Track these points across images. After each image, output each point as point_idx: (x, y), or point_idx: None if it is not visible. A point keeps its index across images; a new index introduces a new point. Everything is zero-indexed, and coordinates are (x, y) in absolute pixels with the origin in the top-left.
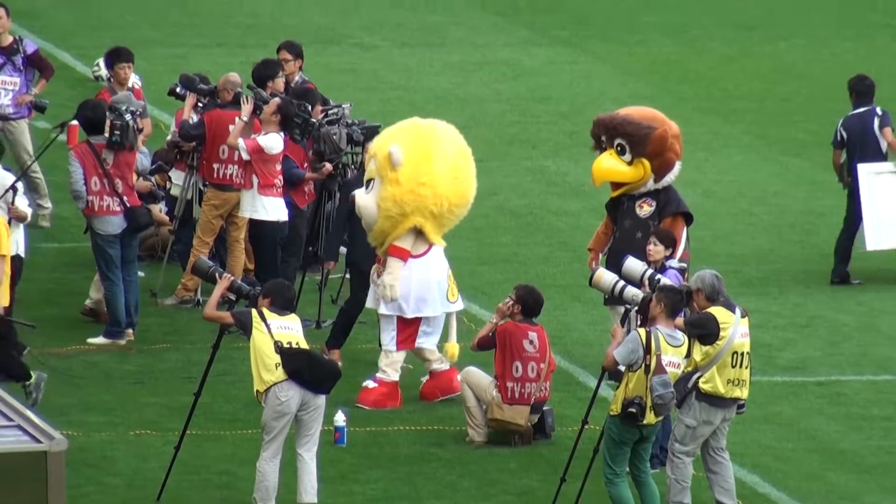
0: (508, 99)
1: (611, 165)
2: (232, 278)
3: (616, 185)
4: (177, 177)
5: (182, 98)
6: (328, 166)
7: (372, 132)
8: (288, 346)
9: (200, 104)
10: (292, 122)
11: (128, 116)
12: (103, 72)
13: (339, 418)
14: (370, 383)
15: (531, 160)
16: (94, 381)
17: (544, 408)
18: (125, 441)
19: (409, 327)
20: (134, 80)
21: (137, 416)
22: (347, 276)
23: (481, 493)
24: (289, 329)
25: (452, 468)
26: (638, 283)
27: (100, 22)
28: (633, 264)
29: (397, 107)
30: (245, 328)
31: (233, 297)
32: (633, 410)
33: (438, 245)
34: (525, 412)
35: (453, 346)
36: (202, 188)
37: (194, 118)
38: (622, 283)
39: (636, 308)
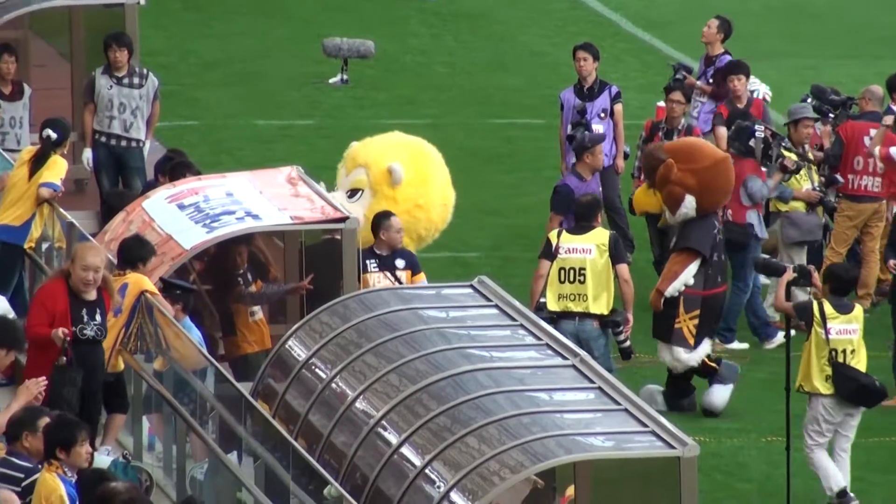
0: None
1: (640, 192)
2: None
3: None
4: None
5: (820, 112)
6: None
7: None
8: None
9: (831, 116)
10: None
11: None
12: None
13: None
14: None
15: None
16: None
17: None
18: (756, 447)
19: None
20: (763, 90)
21: (768, 423)
22: None
23: None
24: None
25: None
26: None
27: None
28: None
29: None
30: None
31: None
32: None
33: None
34: None
35: None
36: (831, 200)
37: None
38: None
39: None
